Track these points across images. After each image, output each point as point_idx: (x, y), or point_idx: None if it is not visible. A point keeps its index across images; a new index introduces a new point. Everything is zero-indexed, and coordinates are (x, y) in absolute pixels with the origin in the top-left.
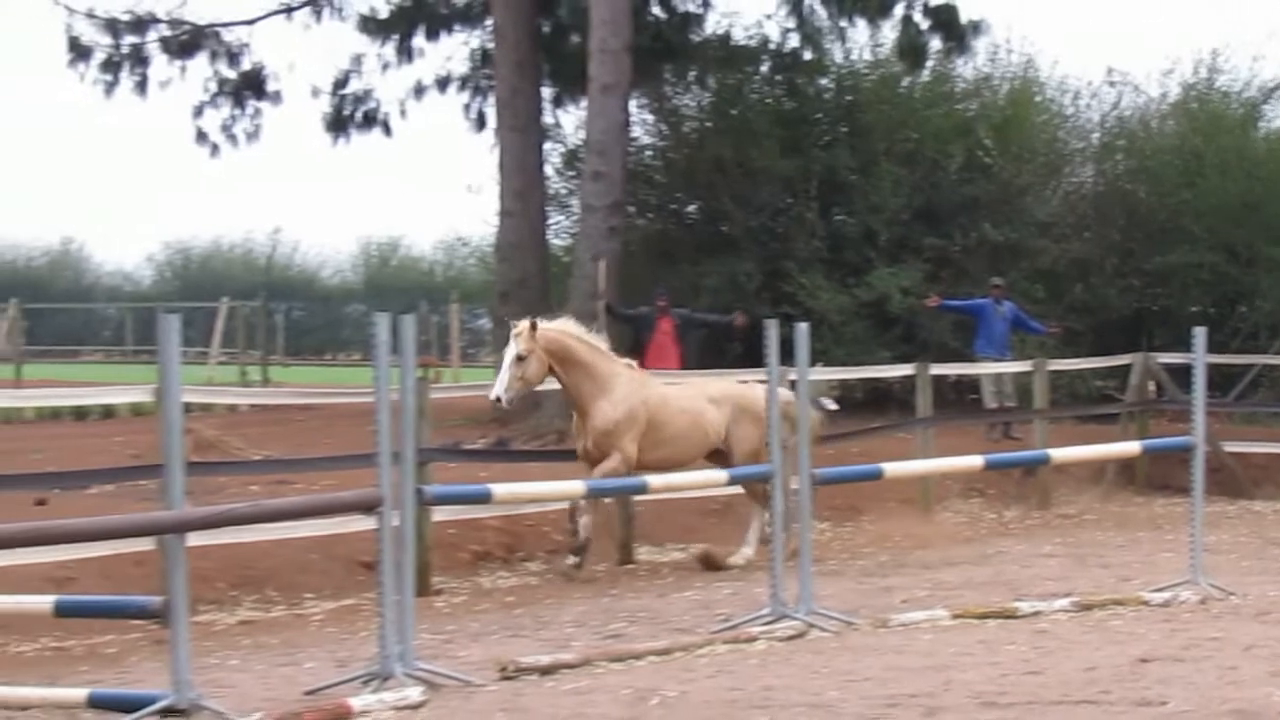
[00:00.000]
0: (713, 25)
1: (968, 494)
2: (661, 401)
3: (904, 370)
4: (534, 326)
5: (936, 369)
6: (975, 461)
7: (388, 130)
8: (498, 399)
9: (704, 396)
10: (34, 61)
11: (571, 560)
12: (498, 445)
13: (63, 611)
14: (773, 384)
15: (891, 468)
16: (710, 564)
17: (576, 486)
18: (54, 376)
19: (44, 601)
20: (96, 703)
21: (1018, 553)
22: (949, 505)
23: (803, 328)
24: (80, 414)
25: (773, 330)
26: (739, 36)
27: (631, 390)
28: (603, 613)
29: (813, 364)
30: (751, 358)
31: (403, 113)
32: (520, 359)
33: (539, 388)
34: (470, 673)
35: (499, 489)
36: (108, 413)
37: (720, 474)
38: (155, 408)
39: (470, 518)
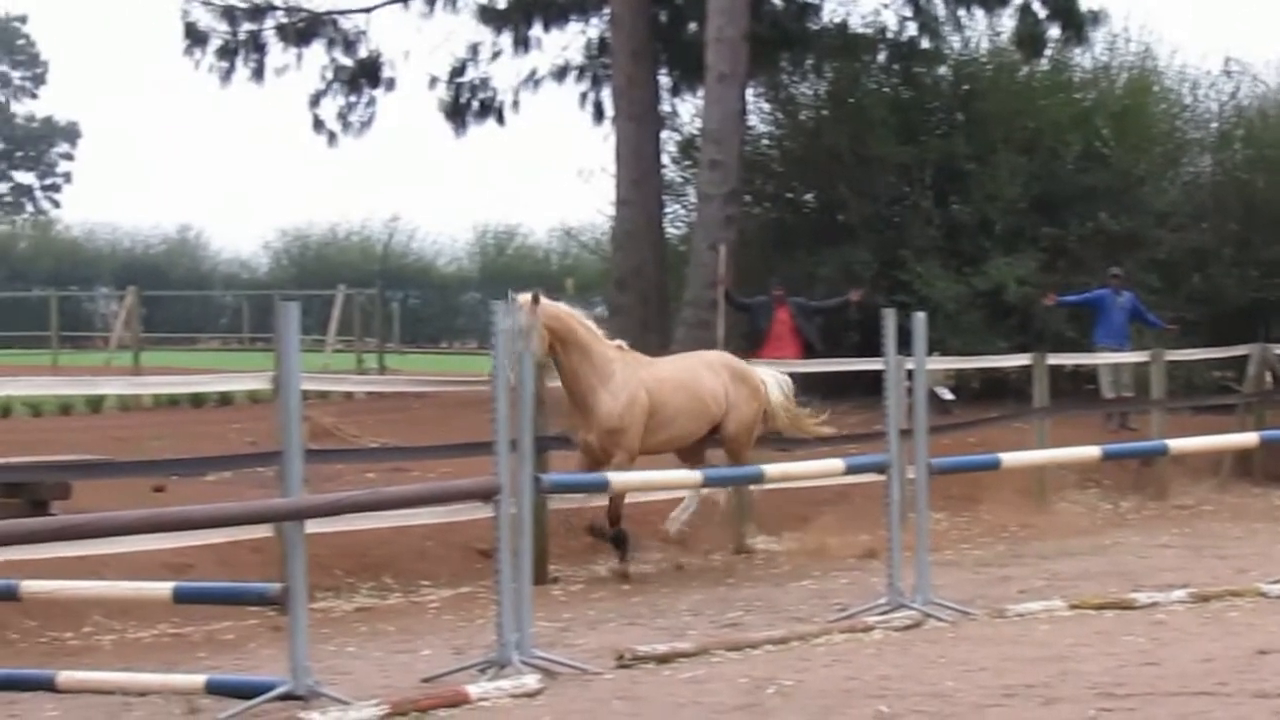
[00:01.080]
0: (830, 14)
1: (1084, 484)
2: (658, 381)
3: (1021, 360)
4: (536, 299)
5: (1053, 359)
6: (1092, 452)
7: (502, 119)
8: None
9: (701, 364)
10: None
11: (617, 563)
12: None
13: (182, 598)
14: (890, 373)
15: (1009, 457)
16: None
17: (693, 476)
18: (171, 364)
19: (163, 588)
20: (214, 689)
21: (1134, 544)
22: (1066, 495)
23: (920, 317)
24: (198, 401)
25: (890, 319)
26: (856, 25)
27: (629, 375)
28: (719, 601)
29: (929, 353)
30: (869, 346)
31: (516, 102)
32: (521, 333)
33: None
34: (587, 661)
35: (616, 477)
36: (225, 400)
37: (837, 463)
38: (273, 395)
39: (586, 507)
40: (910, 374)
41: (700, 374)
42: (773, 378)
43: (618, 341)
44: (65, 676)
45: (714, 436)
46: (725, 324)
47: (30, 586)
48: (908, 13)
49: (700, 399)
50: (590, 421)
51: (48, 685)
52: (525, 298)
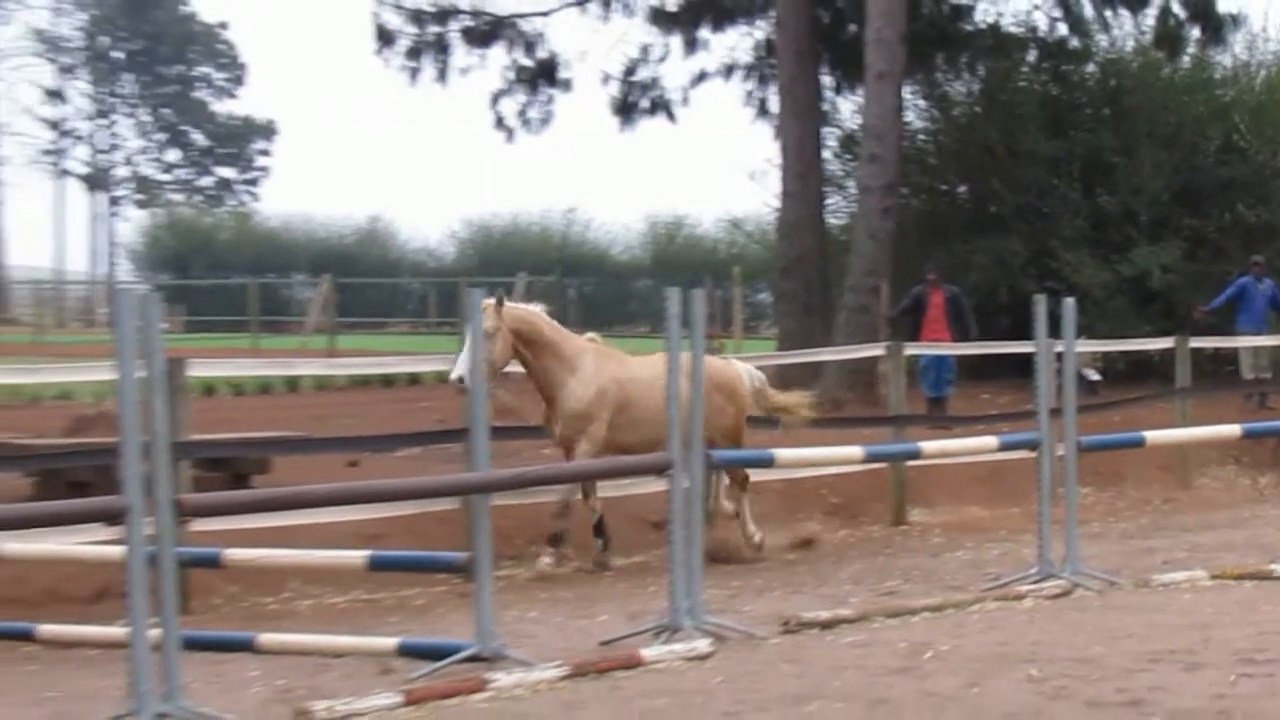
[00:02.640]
0: (983, 15)
1: (1224, 461)
2: (631, 378)
3: (1164, 343)
4: (500, 303)
5: (1195, 342)
6: (1233, 430)
7: (672, 116)
8: (460, 379)
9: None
10: (344, 50)
11: (547, 559)
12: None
13: (376, 566)
14: (1041, 356)
15: (1153, 435)
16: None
17: (854, 452)
18: (363, 347)
19: (358, 556)
20: (406, 651)
21: (1272, 517)
22: (1206, 472)
23: (1069, 303)
24: (388, 381)
25: (1040, 305)
26: (1008, 25)
27: (600, 368)
28: (878, 571)
29: (1077, 337)
30: (1019, 331)
31: (686, 100)
32: (485, 337)
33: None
34: (754, 626)
35: (781, 453)
36: (413, 380)
37: (991, 441)
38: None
39: (753, 480)
40: (1060, 357)
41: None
42: (745, 371)
43: (589, 335)
44: (266, 638)
45: None
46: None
47: (233, 554)
48: (1057, 13)
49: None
50: (556, 412)
51: (249, 646)
52: (489, 302)
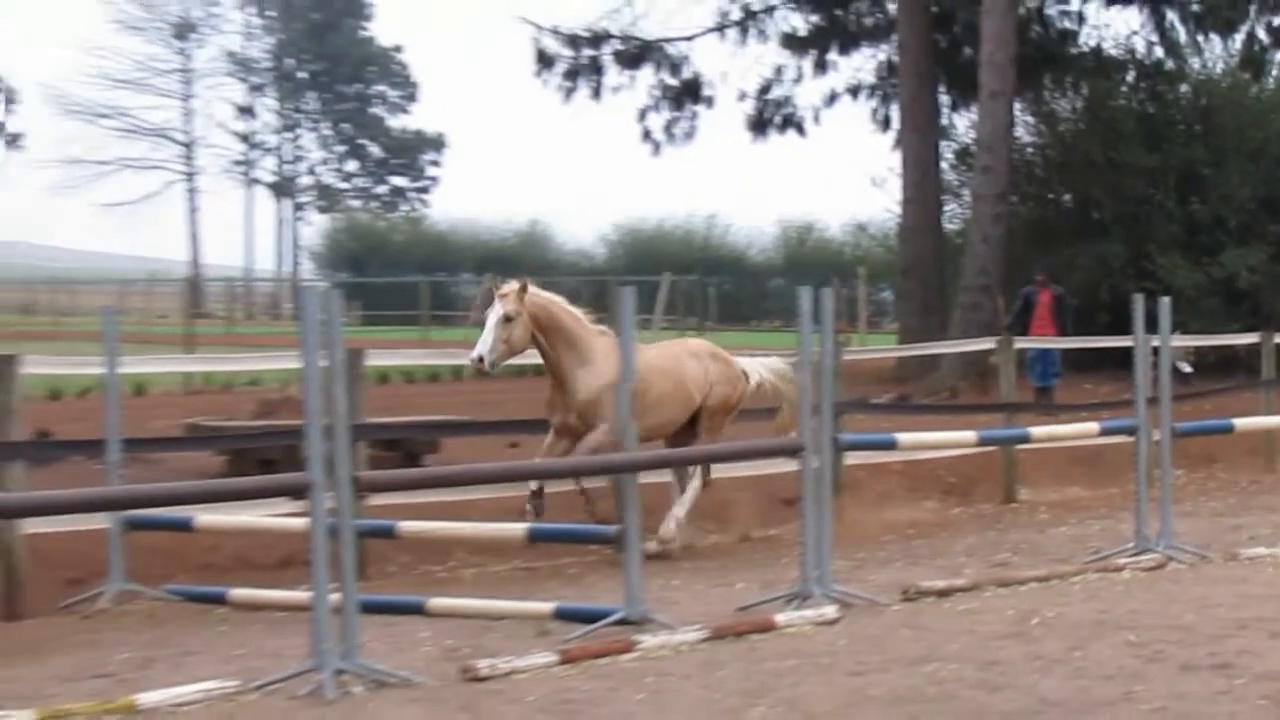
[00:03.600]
0: (1086, 39)
1: None
2: (644, 365)
3: (1251, 338)
4: (524, 289)
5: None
6: None
7: (802, 131)
8: (480, 359)
9: (685, 352)
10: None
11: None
12: (900, 400)
13: (535, 538)
14: (1139, 350)
15: (1241, 422)
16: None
17: (968, 436)
18: None
19: (519, 529)
20: (562, 615)
21: None
22: None
23: (1165, 302)
24: (541, 370)
25: (1138, 304)
26: (1109, 49)
27: (611, 358)
28: (990, 545)
29: (1171, 333)
30: (1119, 327)
31: (816, 118)
32: (507, 320)
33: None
34: (877, 594)
35: (902, 437)
36: None
37: (1093, 426)
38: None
39: (876, 462)
40: (1156, 351)
41: (683, 361)
42: (758, 366)
43: (602, 327)
44: (435, 603)
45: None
46: (996, 307)
47: (406, 526)
48: (1154, 38)
49: (682, 384)
50: (570, 402)
51: (420, 610)
52: (512, 286)
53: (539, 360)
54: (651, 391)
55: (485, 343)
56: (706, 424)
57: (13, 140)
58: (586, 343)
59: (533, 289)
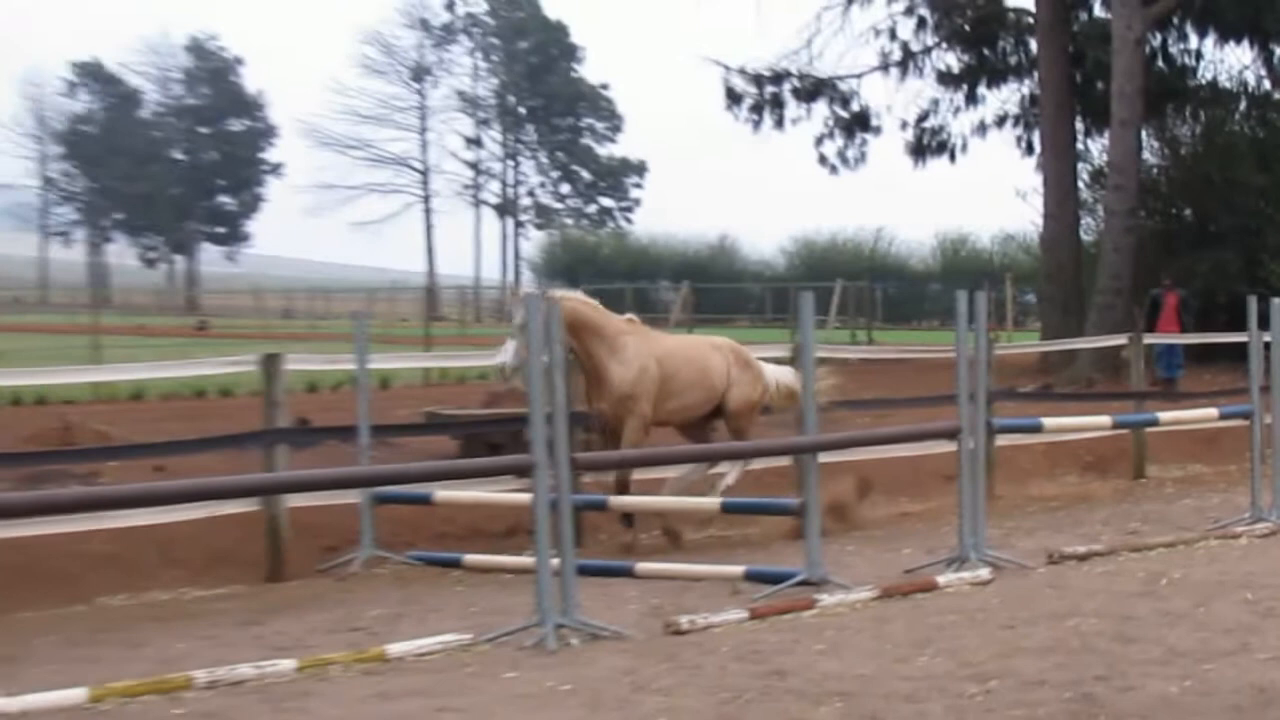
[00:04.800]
0: (1203, 73)
1: None
2: (667, 353)
3: None
4: (547, 295)
5: None
6: None
7: (954, 157)
8: (503, 366)
9: (707, 344)
10: (701, 103)
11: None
12: (1043, 389)
13: (727, 509)
14: (1252, 344)
15: None
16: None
17: (1104, 420)
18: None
19: (713, 501)
20: (751, 576)
21: None
22: None
23: (1276, 303)
24: None
25: (1252, 305)
26: (1224, 81)
27: (641, 348)
28: (1122, 515)
29: None
30: (1235, 325)
31: (964, 146)
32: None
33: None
34: (1025, 558)
35: (1047, 421)
36: None
37: (1212, 412)
38: (792, 360)
39: (1023, 443)
40: (1267, 345)
41: (706, 353)
42: (773, 373)
43: (628, 315)
44: (641, 566)
45: (716, 418)
46: (1126, 308)
47: (616, 500)
48: (1263, 71)
49: (706, 373)
50: (603, 391)
51: (628, 573)
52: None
53: None
54: (678, 378)
55: (507, 351)
56: (735, 424)
57: (275, 169)
58: (615, 334)
59: (555, 292)
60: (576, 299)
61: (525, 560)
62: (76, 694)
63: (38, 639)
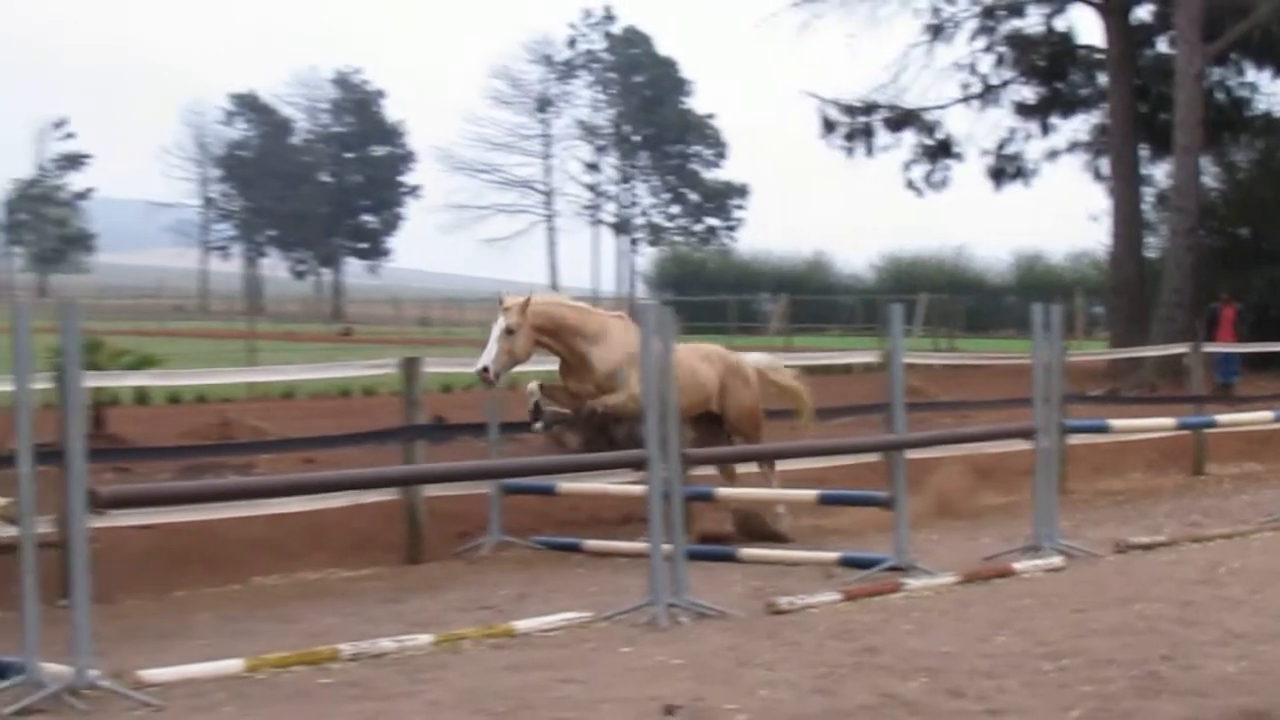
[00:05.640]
0: (1259, 104)
1: None
2: None
3: None
4: (526, 302)
5: None
6: None
7: (1029, 181)
8: (484, 369)
9: (696, 354)
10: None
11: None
12: (1111, 393)
13: (823, 501)
14: None
15: None
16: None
17: (1167, 422)
18: (810, 345)
19: (810, 494)
20: (845, 562)
21: None
22: None
23: None
24: (827, 370)
25: None
26: (1278, 112)
27: (626, 338)
28: (1184, 509)
29: None
30: None
31: (1035, 170)
32: (509, 332)
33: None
34: (1094, 547)
35: (1114, 422)
36: (846, 369)
37: (1267, 414)
38: (881, 366)
39: (1093, 443)
40: None
41: (696, 361)
42: (750, 360)
43: (618, 312)
44: (744, 552)
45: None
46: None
47: (723, 492)
48: None
49: (697, 381)
50: (585, 374)
51: (732, 558)
52: (516, 299)
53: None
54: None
55: (489, 355)
56: (741, 431)
57: (413, 190)
58: (599, 327)
59: (536, 298)
60: (553, 300)
61: (639, 545)
62: (234, 664)
63: (198, 615)
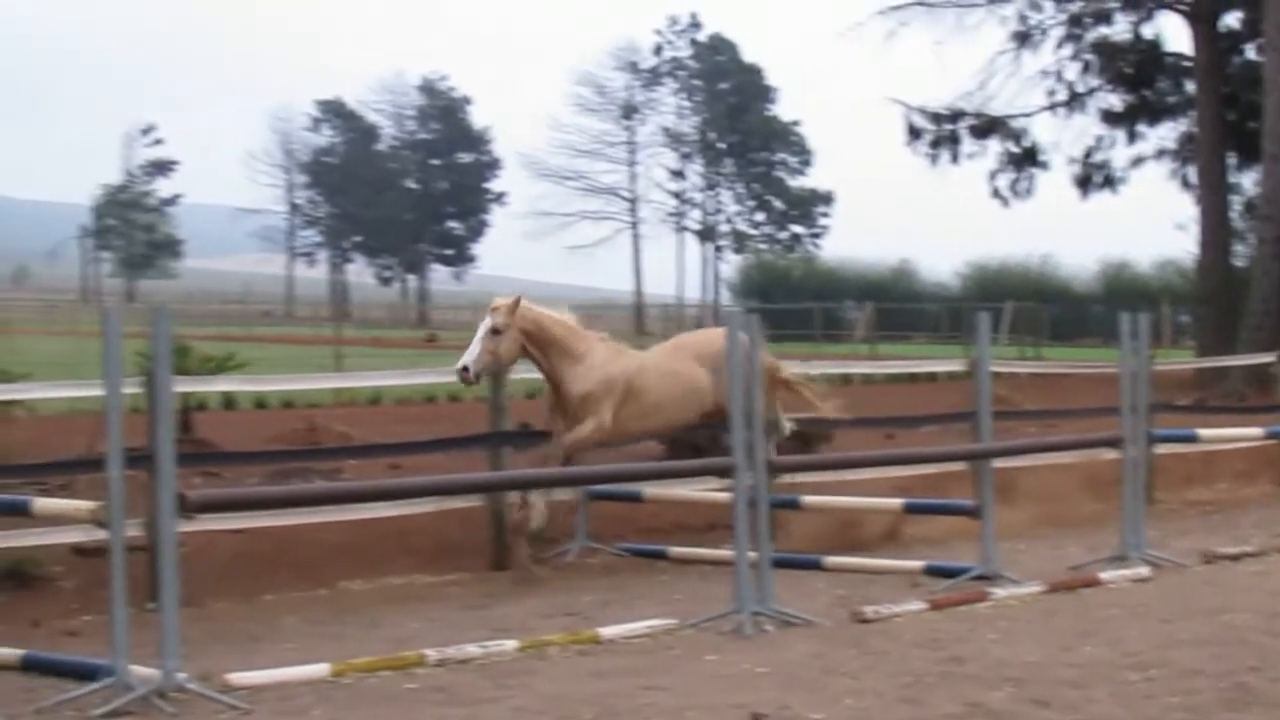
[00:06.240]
0: None
1: None
2: (640, 370)
3: None
4: (516, 303)
5: None
6: None
7: (1115, 189)
8: (464, 368)
9: (691, 357)
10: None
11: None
12: (1198, 403)
13: (909, 510)
14: None
15: None
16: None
17: (1254, 431)
18: (895, 353)
19: (895, 502)
20: (930, 571)
21: None
22: None
23: None
24: (913, 378)
25: None
26: None
27: (606, 360)
28: (1272, 519)
29: None
30: None
31: (1121, 179)
32: (495, 332)
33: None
34: (1182, 558)
35: (1202, 432)
36: (931, 377)
37: (1256, 430)
38: (968, 374)
39: (1180, 452)
40: None
41: (691, 367)
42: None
43: (601, 334)
44: (830, 560)
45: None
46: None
47: (808, 500)
48: None
49: (692, 390)
50: (562, 399)
51: (818, 566)
52: (505, 301)
53: (908, 370)
54: (650, 394)
55: (471, 354)
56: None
57: (498, 197)
58: (581, 346)
59: (526, 303)
60: (545, 310)
61: (724, 553)
62: (320, 669)
63: (284, 619)
